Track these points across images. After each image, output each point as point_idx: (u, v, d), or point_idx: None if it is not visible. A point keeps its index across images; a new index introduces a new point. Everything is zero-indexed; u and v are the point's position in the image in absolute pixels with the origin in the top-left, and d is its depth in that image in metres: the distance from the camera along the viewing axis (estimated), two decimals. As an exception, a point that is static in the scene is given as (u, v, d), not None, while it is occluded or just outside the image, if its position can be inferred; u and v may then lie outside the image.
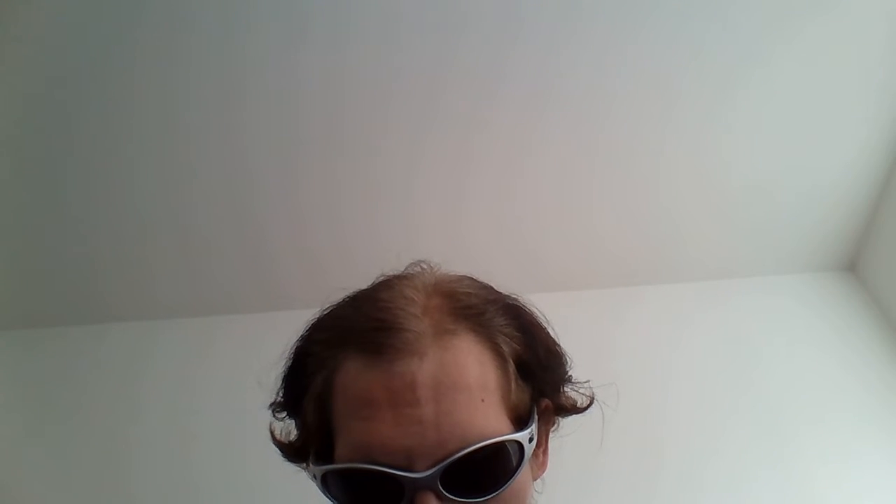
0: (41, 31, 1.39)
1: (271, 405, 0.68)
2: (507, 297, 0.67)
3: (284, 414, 0.67)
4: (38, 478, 1.44)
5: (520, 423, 0.60)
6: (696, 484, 1.39)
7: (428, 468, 0.54)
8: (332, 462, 0.58)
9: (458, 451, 0.54)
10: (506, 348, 0.61)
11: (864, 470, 1.40)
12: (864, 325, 1.68)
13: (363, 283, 0.67)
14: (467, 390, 0.56)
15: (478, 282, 0.67)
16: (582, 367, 0.71)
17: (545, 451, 0.68)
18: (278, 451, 0.68)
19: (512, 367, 0.60)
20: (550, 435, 0.69)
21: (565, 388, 0.68)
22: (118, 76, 1.46)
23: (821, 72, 1.54)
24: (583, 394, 0.70)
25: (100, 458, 1.49)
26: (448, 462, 0.54)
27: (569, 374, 0.69)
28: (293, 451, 0.66)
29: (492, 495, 0.56)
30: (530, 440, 0.59)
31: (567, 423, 0.71)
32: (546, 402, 0.66)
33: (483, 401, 0.57)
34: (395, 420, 0.54)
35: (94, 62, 1.44)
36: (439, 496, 0.54)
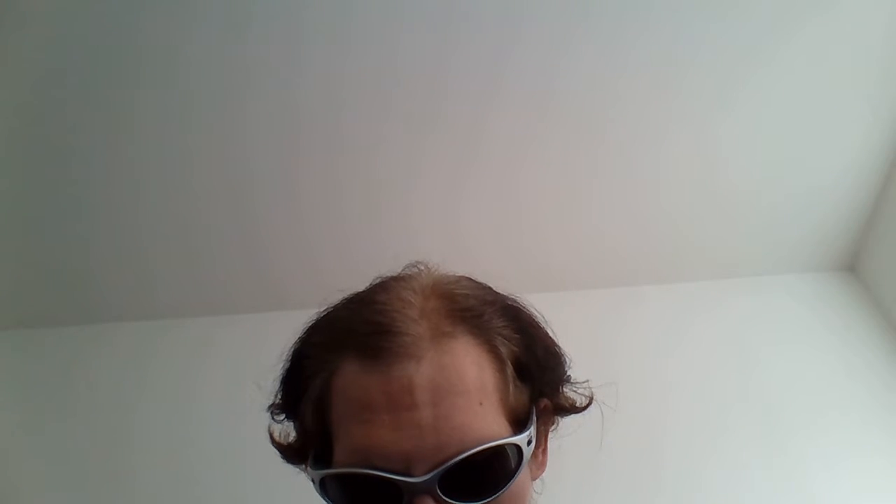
0: (42, 30, 1.39)
1: (270, 407, 0.68)
2: (506, 297, 0.66)
3: (283, 416, 0.67)
4: (38, 478, 1.44)
5: (518, 424, 0.60)
6: (695, 484, 1.39)
7: (426, 472, 0.53)
8: (330, 466, 0.58)
9: (456, 455, 0.54)
10: (504, 350, 0.60)
11: (864, 470, 1.40)
12: (864, 325, 1.68)
13: (363, 284, 0.67)
14: (465, 393, 0.56)
15: (476, 282, 0.66)
16: (582, 367, 0.70)
17: (545, 451, 0.68)
18: (277, 453, 0.68)
19: (510, 368, 0.60)
20: (550, 435, 0.69)
21: (564, 388, 0.68)
22: (119, 77, 1.46)
23: (821, 72, 1.54)
24: (581, 394, 0.70)
25: (100, 457, 1.49)
26: (446, 466, 0.53)
27: (568, 373, 0.68)
28: (292, 453, 0.66)
29: (490, 499, 0.55)
30: (529, 443, 0.59)
31: (567, 424, 0.70)
32: (545, 402, 0.65)
33: (481, 404, 0.56)
34: (393, 424, 0.54)
35: (94, 62, 1.44)
36: (438, 500, 0.53)
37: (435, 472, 0.53)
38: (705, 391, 1.54)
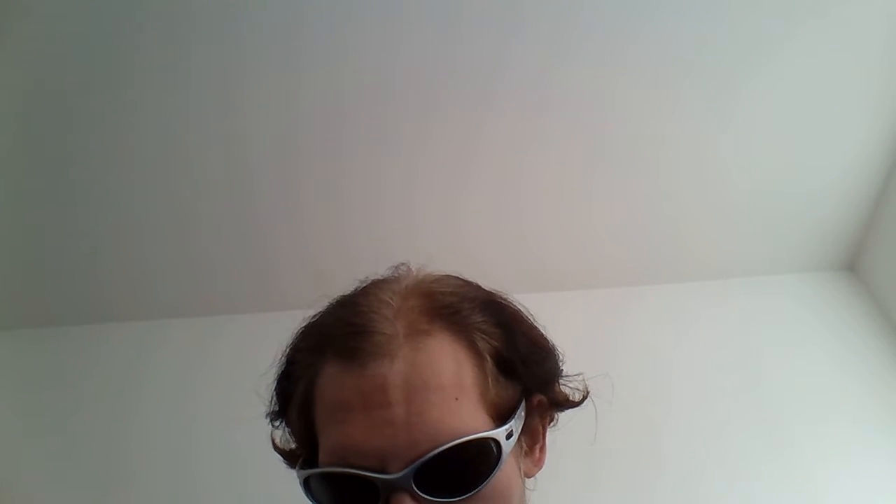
0: (41, 31, 1.39)
1: (267, 414, 0.68)
2: (490, 293, 0.66)
3: (279, 422, 0.68)
4: (38, 478, 1.44)
5: (501, 420, 0.59)
6: (695, 483, 1.39)
7: (401, 469, 0.54)
8: (314, 467, 0.58)
9: (429, 451, 0.54)
10: (482, 345, 0.60)
11: (864, 470, 1.40)
12: (864, 325, 1.68)
13: (355, 286, 0.68)
14: (440, 390, 0.56)
15: (460, 279, 0.66)
16: (581, 367, 0.70)
17: (542, 448, 0.67)
18: (281, 459, 0.68)
19: (490, 364, 0.60)
20: (548, 430, 0.69)
21: (558, 383, 0.68)
22: (119, 76, 1.46)
23: (821, 72, 1.54)
24: (575, 388, 0.69)
25: (100, 457, 1.49)
26: (420, 462, 0.54)
27: (561, 368, 0.68)
28: (295, 459, 0.66)
29: (469, 494, 0.55)
30: (508, 437, 0.58)
31: (561, 423, 0.70)
32: (539, 397, 0.65)
33: (457, 399, 0.56)
34: (368, 422, 0.55)
35: (93, 62, 1.44)
36: (414, 496, 0.54)
37: (409, 468, 0.54)
38: (705, 391, 1.54)
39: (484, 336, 0.61)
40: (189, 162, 1.59)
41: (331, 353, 0.59)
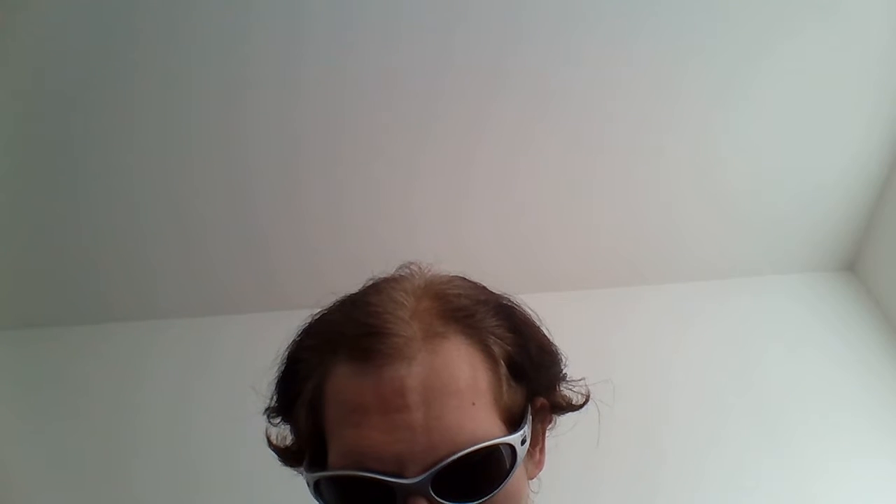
0: (40, 29, 1.39)
1: (266, 411, 0.68)
2: (500, 296, 0.66)
3: (279, 419, 0.67)
4: (38, 478, 1.44)
5: (513, 424, 0.59)
6: (695, 484, 1.39)
7: (419, 474, 0.53)
8: (325, 468, 0.58)
9: (448, 456, 0.54)
10: (497, 349, 0.60)
11: (864, 470, 1.40)
12: (863, 325, 1.68)
13: (363, 284, 0.67)
14: (457, 394, 0.56)
15: (469, 282, 0.66)
16: (581, 367, 0.70)
17: (542, 450, 0.67)
18: (275, 457, 0.68)
19: (503, 368, 0.60)
20: (547, 433, 0.69)
21: (560, 387, 0.68)
22: (119, 76, 1.46)
23: (821, 72, 1.54)
24: (578, 392, 0.70)
25: (100, 457, 1.49)
26: (439, 467, 0.53)
27: (564, 372, 0.68)
28: (290, 456, 0.66)
29: (485, 499, 0.55)
30: (522, 442, 0.58)
31: (563, 423, 0.70)
32: (542, 400, 0.65)
33: (474, 404, 0.56)
34: (385, 426, 0.54)
35: (94, 62, 1.44)
36: (431, 501, 0.53)
37: (427, 473, 0.53)
38: (705, 391, 1.54)
39: (498, 340, 0.61)
40: (190, 162, 1.59)
41: (343, 352, 0.58)
